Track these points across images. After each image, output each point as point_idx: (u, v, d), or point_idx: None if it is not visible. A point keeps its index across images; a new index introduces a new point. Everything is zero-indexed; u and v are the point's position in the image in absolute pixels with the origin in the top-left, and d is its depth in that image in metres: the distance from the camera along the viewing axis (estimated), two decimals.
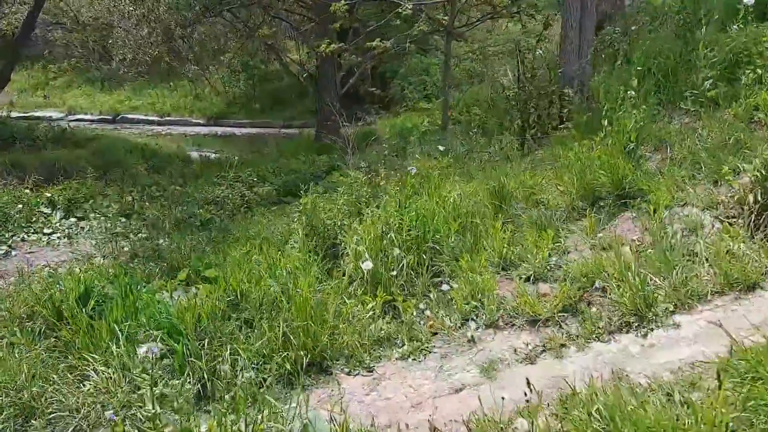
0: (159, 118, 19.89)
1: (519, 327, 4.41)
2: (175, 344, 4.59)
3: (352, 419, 3.68)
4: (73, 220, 9.09)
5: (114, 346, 4.73)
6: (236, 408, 3.64)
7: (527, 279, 4.80)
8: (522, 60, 7.97)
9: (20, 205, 8.90)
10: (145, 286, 5.88)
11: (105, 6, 19.28)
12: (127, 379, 4.54)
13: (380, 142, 11.62)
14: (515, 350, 4.17)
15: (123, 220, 9.21)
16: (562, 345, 4.04)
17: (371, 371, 4.41)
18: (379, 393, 4.15)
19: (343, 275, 5.34)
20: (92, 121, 19.12)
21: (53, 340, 5.23)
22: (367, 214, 5.96)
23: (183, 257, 6.81)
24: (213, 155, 12.95)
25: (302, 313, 4.57)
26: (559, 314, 4.33)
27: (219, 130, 19.36)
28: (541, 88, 7.77)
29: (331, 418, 3.67)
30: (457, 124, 10.99)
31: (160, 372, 4.48)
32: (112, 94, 20.65)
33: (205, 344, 4.55)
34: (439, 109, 11.56)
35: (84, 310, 5.41)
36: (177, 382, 3.90)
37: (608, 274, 4.36)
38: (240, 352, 4.45)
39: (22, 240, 8.38)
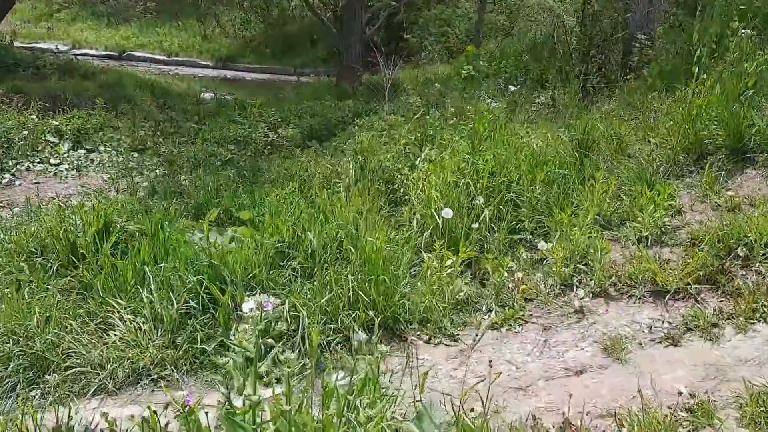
0: (166, 58, 18.64)
1: (639, 298, 3.58)
2: (220, 294, 3.71)
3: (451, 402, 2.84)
4: (82, 151, 8.10)
5: (144, 291, 3.84)
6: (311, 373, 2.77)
7: (638, 241, 3.95)
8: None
9: (25, 132, 7.89)
10: (171, 224, 4.96)
11: None
12: (160, 332, 3.67)
13: (407, 92, 10.66)
14: (642, 326, 3.34)
15: (135, 155, 8.23)
16: (714, 325, 3.21)
17: (455, 340, 3.58)
18: (470, 368, 3.31)
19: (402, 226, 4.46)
20: (97, 56, 17.83)
21: (68, 280, 4.33)
22: (427, 158, 5.05)
23: (211, 196, 5.88)
24: (228, 97, 11.88)
25: (373, 266, 3.70)
26: (693, 286, 3.50)
27: (228, 73, 18.18)
28: (608, 33, 6.82)
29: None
30: (491, 76, 10.00)
31: (200, 327, 3.63)
32: (119, 29, 19.31)
33: (257, 295, 3.66)
34: (464, 62, 10.53)
35: (105, 246, 4.50)
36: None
37: (753, 241, 3.53)
38: (299, 307, 3.58)
39: (27, 169, 7.40)
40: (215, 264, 3.84)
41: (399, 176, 4.91)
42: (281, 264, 4.14)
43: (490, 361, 2.88)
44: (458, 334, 3.61)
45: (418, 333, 3.65)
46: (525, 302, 3.76)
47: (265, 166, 6.79)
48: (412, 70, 13.78)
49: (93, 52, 18.27)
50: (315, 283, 3.78)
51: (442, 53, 14.41)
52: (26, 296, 4.04)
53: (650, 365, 3.04)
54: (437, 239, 4.00)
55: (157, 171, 7.57)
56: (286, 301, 3.59)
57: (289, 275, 3.93)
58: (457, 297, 3.83)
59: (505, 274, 3.85)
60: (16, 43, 14.58)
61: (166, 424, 2.49)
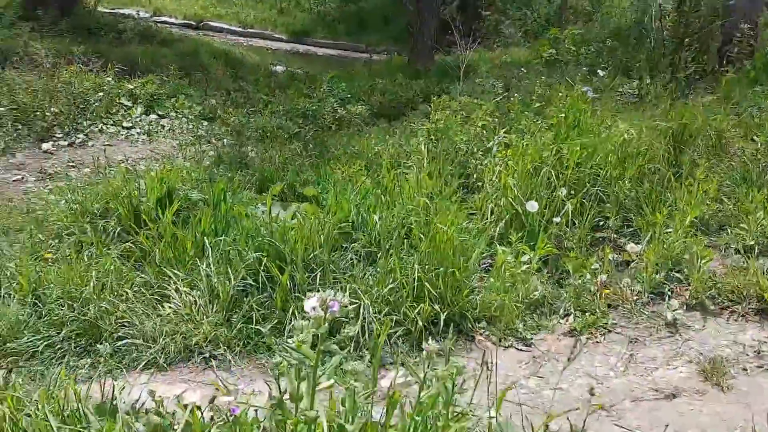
0: (242, 29, 18.62)
1: (742, 316, 3.15)
2: (279, 273, 3.47)
3: (525, 417, 2.51)
4: (153, 116, 8.04)
5: (202, 264, 3.64)
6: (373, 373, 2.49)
7: (744, 251, 3.50)
8: None
9: (101, 94, 7.87)
10: (234, 196, 4.76)
11: None
12: (215, 307, 3.47)
13: (480, 74, 10.19)
14: (747, 349, 2.92)
15: (205, 123, 8.11)
16: None
17: (528, 345, 3.23)
18: (545, 379, 2.97)
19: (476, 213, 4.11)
20: (176, 24, 17.95)
21: (128, 246, 4.19)
22: (502, 143, 4.67)
23: (276, 169, 5.66)
24: (299, 70, 11.67)
25: (442, 256, 3.38)
26: None
27: (300, 47, 18.01)
28: (706, 21, 6.22)
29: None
30: (572, 62, 9.42)
31: (256, 307, 3.40)
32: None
33: (317, 278, 3.41)
34: (548, 45, 9.96)
35: (166, 213, 4.33)
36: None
37: None
38: (361, 295, 3.30)
39: (100, 131, 7.37)
40: (275, 242, 3.60)
41: (473, 160, 4.55)
42: (344, 246, 3.87)
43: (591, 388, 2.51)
44: (531, 339, 3.26)
45: (487, 333, 3.32)
46: (608, 309, 3.37)
47: (332, 142, 6.53)
48: (486, 53, 13.24)
49: (172, 20, 18.42)
50: (378, 269, 3.49)
51: (519, 37, 13.80)
52: (85, 259, 3.92)
53: (758, 396, 2.63)
54: (513, 231, 3.65)
55: (225, 140, 7.43)
56: (347, 287, 3.32)
57: (350, 259, 3.65)
58: (531, 296, 3.48)
59: (588, 276, 3.46)
60: (100, 8, 14.75)
61: (211, 418, 2.25)
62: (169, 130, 7.83)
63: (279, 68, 12.93)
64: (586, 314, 3.33)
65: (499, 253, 3.58)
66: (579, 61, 8.81)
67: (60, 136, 7.01)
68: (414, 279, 3.32)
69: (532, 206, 3.65)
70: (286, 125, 7.86)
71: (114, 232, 4.39)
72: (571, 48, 9.23)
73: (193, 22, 18.98)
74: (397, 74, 10.61)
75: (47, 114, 7.09)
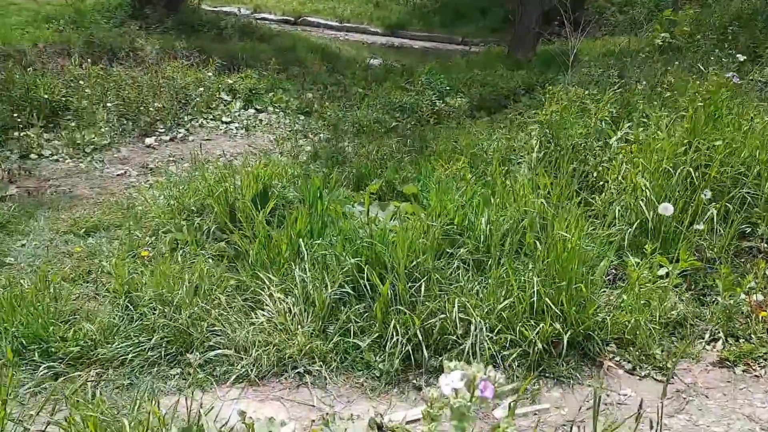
0: (338, 24, 18.55)
1: None
2: (379, 282, 3.11)
3: None
4: (251, 111, 7.92)
5: (297, 269, 3.34)
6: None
7: None
8: None
9: (201, 89, 7.83)
10: (330, 194, 4.45)
11: None
12: (310, 317, 3.15)
13: (586, 63, 9.45)
14: None
15: (302, 117, 7.92)
16: None
17: (666, 374, 2.71)
18: (690, 417, 2.45)
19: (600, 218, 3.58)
20: (275, 20, 18.10)
21: (222, 246, 3.97)
22: (625, 137, 4.10)
23: (374, 166, 5.32)
24: (395, 63, 11.31)
25: (564, 267, 2.91)
26: None
27: (396, 41, 17.71)
28: None
29: None
30: (687, 49, 8.52)
31: (354, 318, 3.05)
32: None
33: (422, 289, 3.02)
34: (661, 29, 9.05)
35: (261, 212, 4.09)
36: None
37: None
38: (470, 309, 2.88)
39: (201, 126, 7.32)
40: (376, 246, 3.24)
41: (593, 157, 4.02)
42: (448, 251, 3.46)
43: None
44: (671, 366, 2.73)
45: (617, 358, 2.82)
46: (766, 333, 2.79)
47: (431, 137, 6.13)
48: (591, 41, 12.40)
49: (271, 16, 18.60)
50: (489, 280, 3.06)
51: (626, 24, 12.81)
52: (179, 260, 3.72)
53: None
54: (647, 240, 3.11)
55: (322, 135, 7.19)
56: (455, 300, 2.91)
57: (457, 267, 3.23)
58: (669, 316, 2.94)
59: (742, 296, 2.89)
60: (204, 6, 15.03)
61: None
62: (266, 124, 7.69)
63: (375, 61, 12.66)
64: (740, 341, 2.76)
65: (631, 265, 3.06)
66: (698, 47, 7.93)
67: (162, 130, 7.00)
68: (532, 293, 2.87)
69: (667, 209, 3.10)
70: (383, 119, 7.53)
71: (209, 230, 4.20)
72: (688, 32, 8.34)
73: (291, 18, 19.13)
74: (497, 65, 10.05)
75: (151, 109, 7.09)
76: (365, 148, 5.83)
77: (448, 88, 8.36)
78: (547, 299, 2.84)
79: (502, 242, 3.20)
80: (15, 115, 6.49)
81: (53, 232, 4.55)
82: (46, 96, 6.83)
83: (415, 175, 4.95)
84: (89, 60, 7.92)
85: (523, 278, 2.97)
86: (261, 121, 7.73)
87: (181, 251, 3.86)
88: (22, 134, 6.28)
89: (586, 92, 5.36)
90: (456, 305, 2.85)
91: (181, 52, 8.68)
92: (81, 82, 7.32)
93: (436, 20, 18.22)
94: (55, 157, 6.13)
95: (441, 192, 3.89)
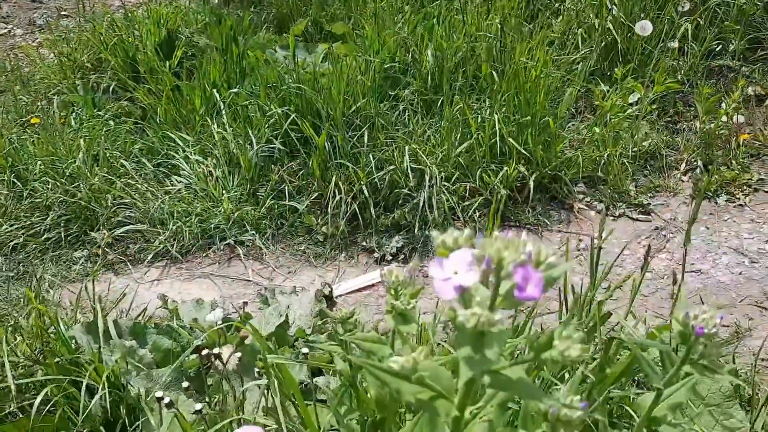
0: None
1: None
2: (314, 133, 2.58)
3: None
4: None
5: (214, 125, 2.76)
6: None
7: None
8: None
9: None
10: (247, 38, 3.76)
11: None
12: (237, 179, 2.64)
13: None
14: None
15: None
16: None
17: (647, 213, 2.39)
18: (672, 256, 2.15)
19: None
20: None
21: (124, 104, 3.30)
22: None
23: (297, 4, 4.56)
24: None
25: (528, 101, 2.44)
26: None
27: None
28: None
29: None
30: None
31: (287, 177, 2.55)
32: None
33: (365, 138, 2.52)
34: None
35: (168, 64, 3.40)
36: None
37: None
38: (422, 156, 2.42)
39: None
40: (306, 91, 2.67)
41: None
42: (390, 94, 2.92)
43: None
44: (649, 204, 2.41)
45: (588, 199, 2.47)
46: (750, 160, 2.47)
47: None
48: None
49: None
50: (442, 122, 2.57)
51: None
52: (73, 123, 3.06)
53: None
54: (614, 65, 2.66)
55: None
56: (404, 147, 2.43)
57: (404, 110, 2.72)
58: (639, 148, 2.57)
59: (724, 119, 2.52)
60: None
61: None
62: None
63: None
64: (721, 169, 2.44)
65: (599, 93, 2.62)
66: None
67: None
68: (492, 133, 2.42)
69: (645, 28, 2.62)
70: None
71: (109, 89, 3.49)
72: None
73: None
74: None
75: None
76: None
77: None
78: (510, 139, 2.39)
79: (453, 77, 2.68)
80: None
81: None
82: None
83: (345, 12, 4.26)
84: None
85: (480, 116, 2.50)
86: None
87: (74, 114, 3.18)
88: None
89: None
90: (406, 154, 2.38)
91: None
92: None
93: None
94: None
95: (379, 27, 3.27)
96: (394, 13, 3.75)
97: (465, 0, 3.17)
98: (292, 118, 2.63)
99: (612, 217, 2.36)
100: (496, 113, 2.42)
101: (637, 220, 2.36)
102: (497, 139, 2.39)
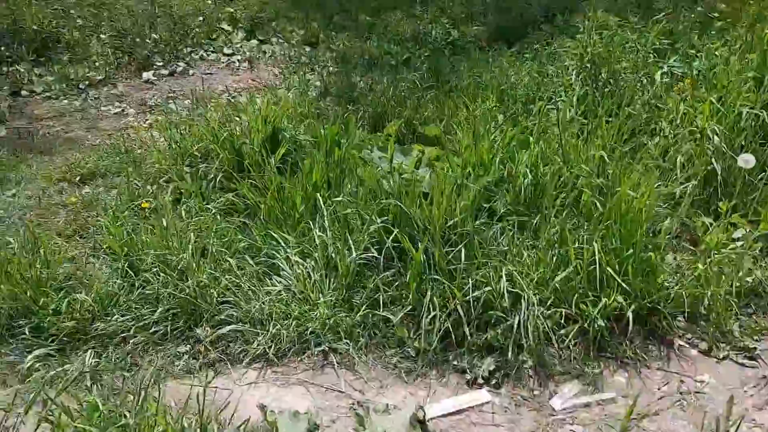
0: None
1: None
2: (411, 246, 2.65)
3: None
4: (254, 42, 7.24)
5: (316, 228, 2.88)
6: None
7: None
8: None
9: (201, 18, 7.13)
10: (348, 140, 3.91)
11: None
12: (333, 283, 2.71)
13: None
14: None
15: (308, 48, 7.24)
16: None
17: (752, 358, 2.30)
18: None
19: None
20: None
21: (231, 196, 3.48)
22: (679, 71, 3.54)
23: (390, 103, 4.77)
24: None
25: (629, 231, 2.44)
26: None
27: None
28: None
29: None
30: None
31: (382, 286, 2.61)
32: None
33: (462, 255, 2.56)
34: None
35: (272, 159, 3.59)
36: None
37: None
38: (518, 279, 2.43)
39: (201, 58, 6.67)
40: (405, 203, 2.75)
41: (641, 95, 3.47)
42: (485, 205, 2.97)
43: None
44: (755, 348, 2.32)
45: (688, 336, 2.40)
46: None
47: (449, 69, 5.52)
48: None
49: None
50: (539, 244, 2.59)
51: None
52: (183, 215, 3.25)
53: None
54: (719, 198, 2.63)
55: (330, 67, 6.56)
56: (503, 269, 2.46)
57: (501, 228, 2.76)
58: (743, 283, 2.49)
59: None
60: None
61: None
62: (270, 56, 7.03)
63: None
64: None
65: (698, 226, 2.59)
66: None
67: (161, 64, 6.37)
68: (591, 261, 2.41)
69: (748, 161, 2.60)
70: (394, 50, 6.88)
71: (215, 179, 3.71)
72: None
73: None
74: None
75: (148, 41, 6.45)
76: (379, 84, 5.24)
77: (462, 15, 7.63)
78: (609, 269, 2.38)
79: (553, 200, 2.71)
80: (2, 48, 5.87)
81: (46, 179, 4.07)
82: (35, 27, 6.18)
83: (437, 115, 4.41)
84: None
85: (577, 242, 2.50)
86: (264, 52, 7.08)
87: (184, 204, 3.38)
88: (11, 69, 5.69)
89: (625, 21, 4.74)
90: (503, 276, 2.40)
91: None
92: (71, 11, 6.64)
93: None
94: (47, 94, 5.56)
95: (475, 136, 3.36)
96: (487, 121, 3.86)
97: (561, 119, 3.24)
98: (389, 227, 2.71)
99: (715, 359, 2.28)
100: (596, 241, 2.42)
101: (742, 365, 2.27)
102: (597, 267, 2.38)
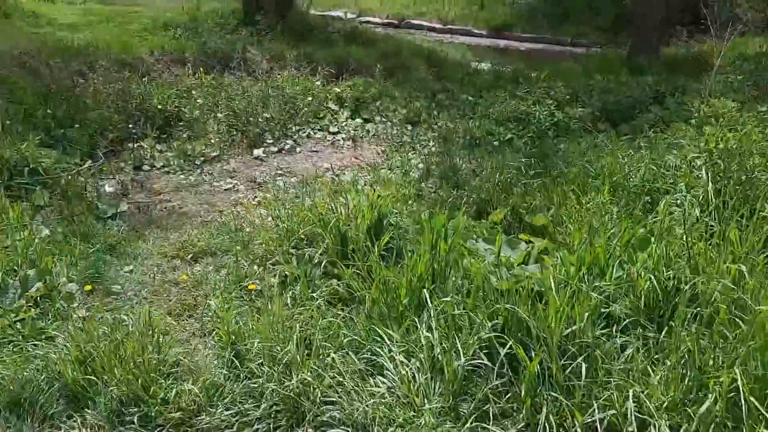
0: (441, 26, 17.87)
1: None
2: (525, 356, 2.48)
3: None
4: (358, 120, 7.45)
5: (422, 328, 2.77)
6: None
7: None
8: None
9: (309, 98, 7.45)
10: (455, 232, 3.83)
11: None
12: (439, 388, 2.57)
13: (722, 71, 8.32)
14: None
15: (410, 127, 7.35)
16: None
17: None
18: None
19: None
20: (379, 23, 17.67)
21: (335, 284, 3.47)
22: None
23: (495, 188, 4.68)
24: (507, 68, 10.43)
25: None
26: None
27: (501, 42, 16.79)
28: None
29: None
30: None
31: (492, 396, 2.44)
32: None
33: (582, 371, 2.36)
34: None
35: (376, 246, 3.56)
36: None
37: None
38: (645, 401, 2.20)
39: (308, 136, 6.93)
40: (519, 311, 2.60)
41: None
42: (603, 310, 2.77)
43: None
44: None
45: None
46: None
47: (553, 152, 5.38)
48: (714, 45, 11.07)
49: (375, 19, 18.21)
50: (667, 361, 2.35)
51: (759, 24, 11.36)
52: (289, 302, 3.25)
53: None
54: None
55: (431, 147, 6.61)
56: (630, 390, 2.24)
57: (621, 341, 2.54)
58: None
59: None
60: (312, 11, 14.80)
61: None
62: (373, 135, 7.20)
63: (484, 66, 11.80)
64: None
65: None
66: None
67: (270, 141, 6.66)
68: (733, 388, 2.15)
69: None
70: (496, 130, 6.85)
71: (321, 264, 3.72)
72: None
73: (395, 21, 18.67)
74: (617, 70, 9.06)
75: (260, 120, 6.78)
76: (482, 167, 5.17)
77: (567, 96, 7.52)
78: (752, 399, 2.11)
79: (683, 313, 2.48)
80: (130, 125, 6.35)
81: (161, 256, 4.24)
82: (159, 106, 6.66)
83: (544, 203, 4.26)
84: (201, 69, 7.72)
85: (712, 363, 2.25)
86: (368, 131, 7.25)
87: (290, 291, 3.39)
88: (136, 145, 6.12)
89: (737, 102, 4.48)
90: (631, 397, 2.18)
91: (290, 63, 8.34)
92: (193, 92, 7.12)
93: (543, 21, 17.20)
94: (166, 169, 5.91)
95: (590, 232, 3.19)
96: (600, 213, 3.68)
97: (690, 226, 3.01)
98: (501, 335, 2.57)
99: None
100: (737, 367, 2.16)
101: None
102: (740, 396, 2.12)
